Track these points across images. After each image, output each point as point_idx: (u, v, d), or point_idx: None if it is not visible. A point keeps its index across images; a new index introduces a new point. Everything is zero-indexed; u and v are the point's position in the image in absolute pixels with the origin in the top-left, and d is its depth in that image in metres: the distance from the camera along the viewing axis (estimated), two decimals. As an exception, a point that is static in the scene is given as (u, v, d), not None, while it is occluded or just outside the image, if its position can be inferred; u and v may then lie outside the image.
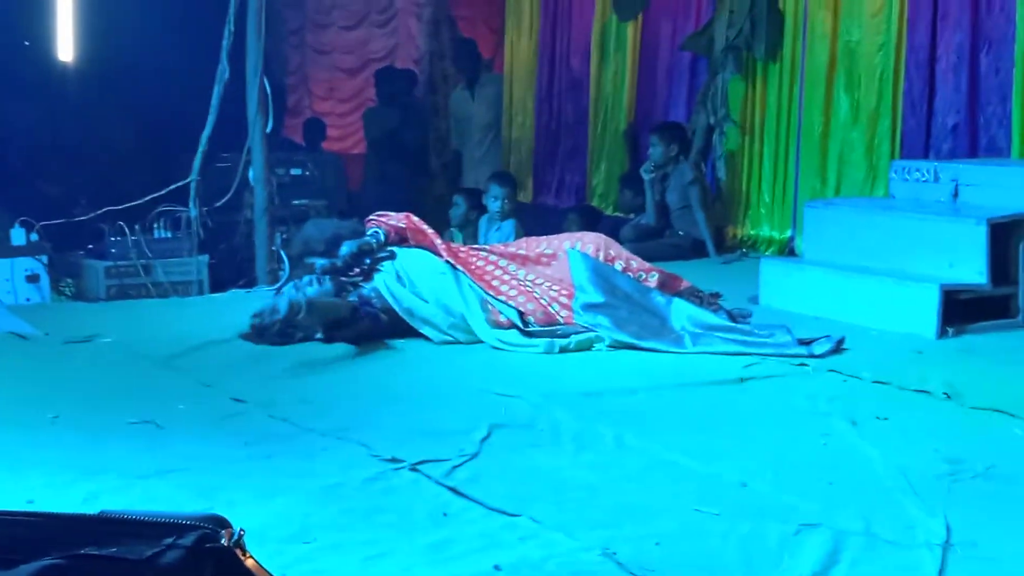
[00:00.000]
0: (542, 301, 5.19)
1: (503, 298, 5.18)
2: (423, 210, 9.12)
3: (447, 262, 5.31)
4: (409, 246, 5.43)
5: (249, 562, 1.38)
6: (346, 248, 5.33)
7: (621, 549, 2.71)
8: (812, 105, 7.96)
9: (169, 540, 1.34)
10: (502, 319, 5.14)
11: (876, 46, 7.50)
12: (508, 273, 5.33)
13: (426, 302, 5.18)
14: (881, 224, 5.88)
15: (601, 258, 5.40)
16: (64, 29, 10.73)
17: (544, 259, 5.44)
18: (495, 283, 5.26)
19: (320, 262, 5.28)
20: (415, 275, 5.27)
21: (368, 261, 5.32)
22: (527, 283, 5.28)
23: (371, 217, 5.58)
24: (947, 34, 7.13)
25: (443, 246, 5.43)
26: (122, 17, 10.14)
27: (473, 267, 5.32)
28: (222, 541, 1.35)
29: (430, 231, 5.52)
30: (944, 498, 3.09)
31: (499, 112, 10.91)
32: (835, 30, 7.80)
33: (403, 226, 5.46)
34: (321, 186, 9.13)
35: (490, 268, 5.35)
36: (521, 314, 5.14)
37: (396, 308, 5.15)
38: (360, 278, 5.28)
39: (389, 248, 5.37)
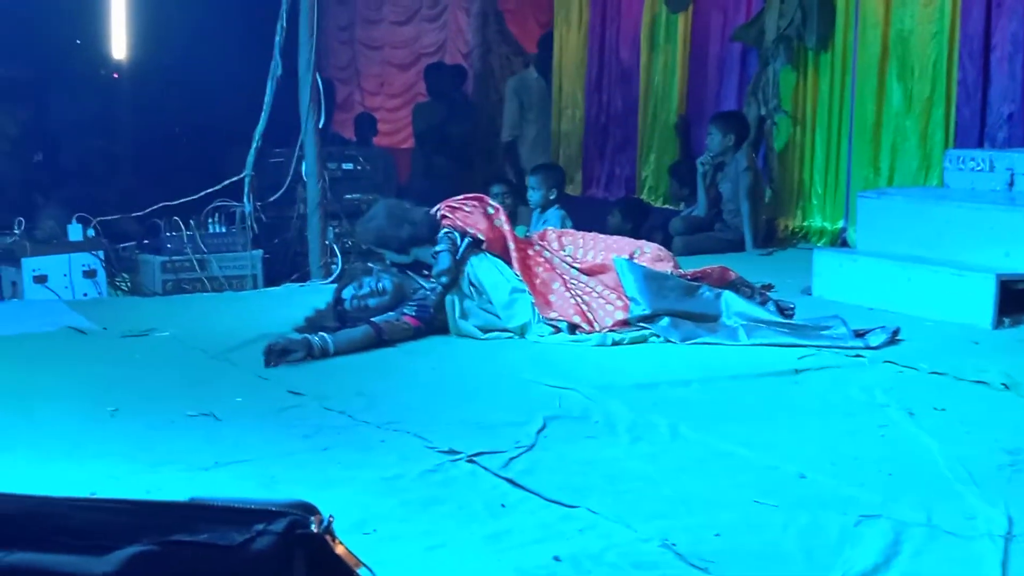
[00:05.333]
0: (596, 319, 5.15)
1: (555, 313, 5.16)
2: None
3: (516, 276, 5.25)
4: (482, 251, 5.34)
5: (339, 548, 1.39)
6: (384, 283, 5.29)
7: (680, 540, 2.71)
8: (864, 94, 7.90)
9: (259, 526, 1.35)
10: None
11: (929, 35, 7.42)
12: (567, 286, 5.28)
13: (494, 316, 5.20)
14: (936, 214, 5.82)
15: (648, 261, 5.34)
16: (118, 28, 10.87)
17: (600, 269, 5.39)
18: (552, 297, 5.23)
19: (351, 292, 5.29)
20: (488, 285, 5.23)
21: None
22: (583, 298, 5.23)
23: (444, 212, 5.42)
24: (1002, 22, 7.05)
25: (516, 255, 5.31)
26: (175, 15, 10.26)
27: (538, 281, 5.28)
28: (312, 527, 1.36)
29: (507, 228, 5.37)
30: (1005, 489, 3.06)
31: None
32: (887, 19, 7.73)
33: (482, 238, 5.33)
34: (372, 180, 9.20)
35: (552, 283, 5.29)
36: (573, 327, 5.12)
37: (460, 329, 5.17)
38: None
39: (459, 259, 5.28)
